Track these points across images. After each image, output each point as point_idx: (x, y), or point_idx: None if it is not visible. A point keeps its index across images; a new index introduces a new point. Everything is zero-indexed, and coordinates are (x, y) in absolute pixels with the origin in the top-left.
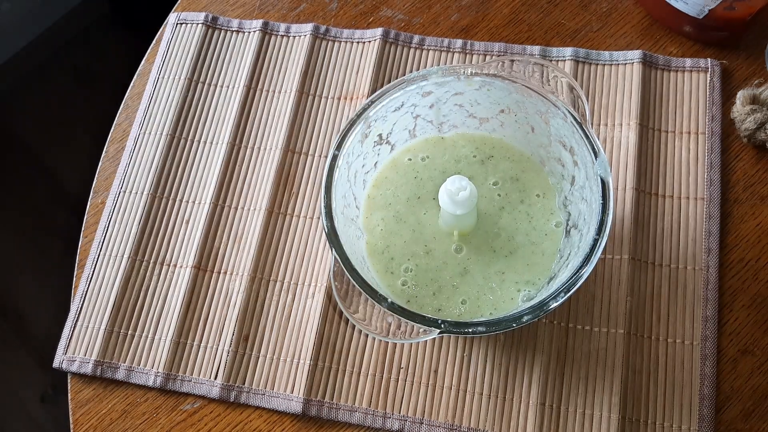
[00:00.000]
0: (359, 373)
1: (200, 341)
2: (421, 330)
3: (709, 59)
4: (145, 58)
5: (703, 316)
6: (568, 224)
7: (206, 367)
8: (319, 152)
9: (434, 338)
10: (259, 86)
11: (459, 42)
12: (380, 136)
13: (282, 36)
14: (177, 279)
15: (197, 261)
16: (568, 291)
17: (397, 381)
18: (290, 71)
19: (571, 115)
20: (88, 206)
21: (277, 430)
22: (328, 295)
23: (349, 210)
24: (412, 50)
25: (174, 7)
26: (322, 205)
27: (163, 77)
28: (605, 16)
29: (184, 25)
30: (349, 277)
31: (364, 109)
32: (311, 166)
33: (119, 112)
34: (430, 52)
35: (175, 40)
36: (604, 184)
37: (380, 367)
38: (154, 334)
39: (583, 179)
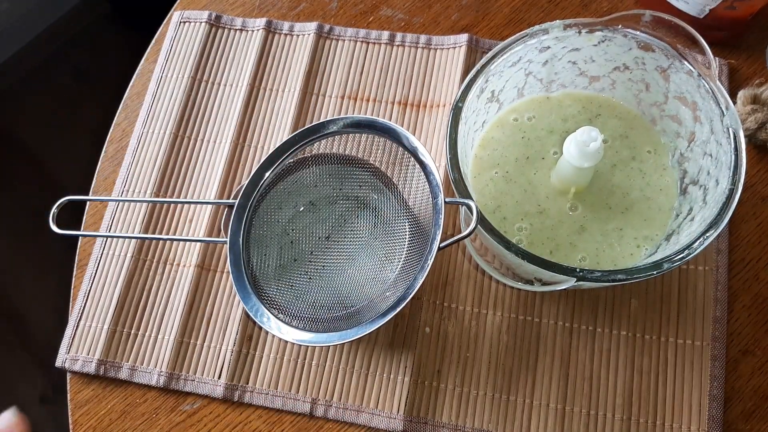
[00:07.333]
0: (367, 374)
1: (204, 341)
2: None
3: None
4: (144, 58)
5: (714, 317)
6: (683, 182)
7: (210, 366)
8: None
9: (431, 337)
10: (263, 85)
11: (464, 37)
12: (492, 92)
13: (285, 35)
14: (180, 278)
15: (200, 260)
16: (708, 234)
17: (402, 382)
18: (294, 70)
19: (697, 69)
20: (87, 206)
21: (276, 431)
22: None
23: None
24: (419, 50)
25: (173, 7)
26: (448, 156)
27: (166, 75)
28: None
29: (187, 23)
30: (480, 228)
31: (487, 62)
32: None
33: (119, 112)
34: (437, 51)
35: (179, 38)
36: (735, 137)
37: (386, 368)
38: (158, 333)
39: (707, 134)
